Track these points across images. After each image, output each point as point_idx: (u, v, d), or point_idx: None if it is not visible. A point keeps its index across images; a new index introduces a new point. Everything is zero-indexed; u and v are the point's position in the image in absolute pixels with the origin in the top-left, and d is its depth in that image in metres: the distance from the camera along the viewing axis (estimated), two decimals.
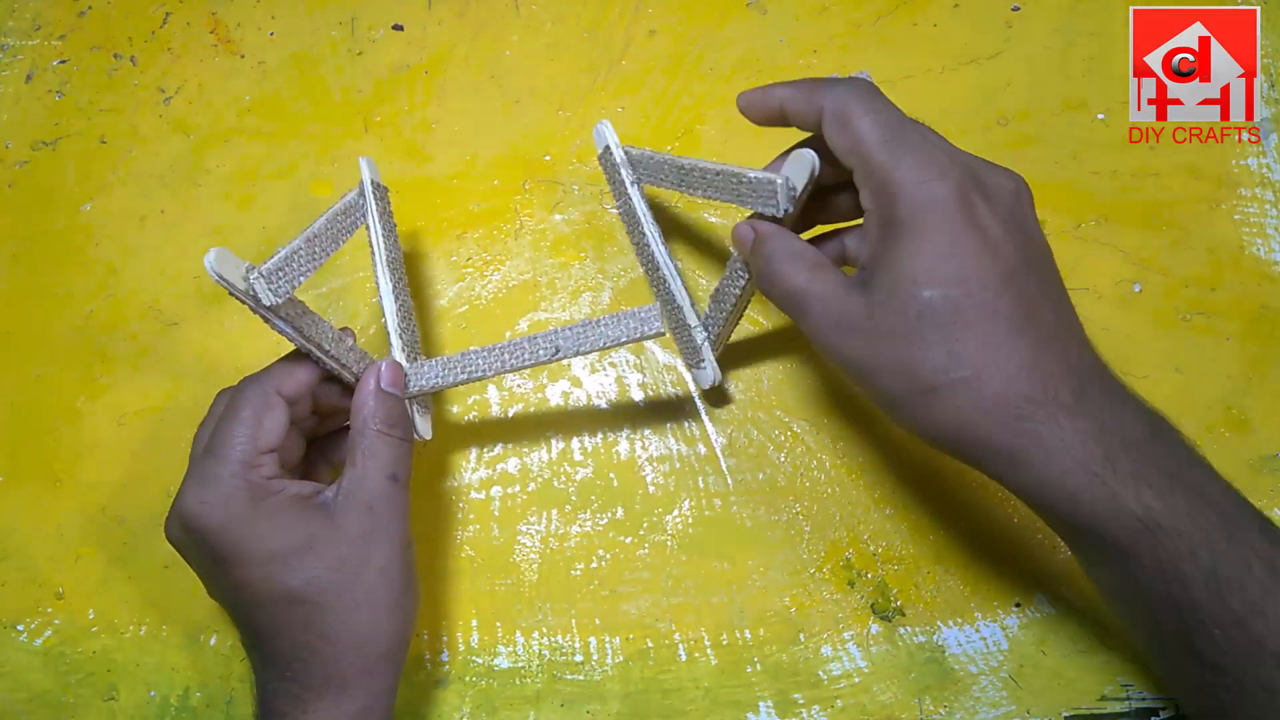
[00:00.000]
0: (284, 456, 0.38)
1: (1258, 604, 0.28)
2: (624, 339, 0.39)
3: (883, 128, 0.32)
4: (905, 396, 0.32)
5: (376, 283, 0.43)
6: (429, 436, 0.42)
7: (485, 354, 0.40)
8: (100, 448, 0.48)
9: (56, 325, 0.51)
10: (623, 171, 0.45)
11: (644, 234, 0.44)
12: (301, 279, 0.37)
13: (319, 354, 0.37)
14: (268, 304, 0.34)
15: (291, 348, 0.38)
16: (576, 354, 0.40)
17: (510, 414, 0.46)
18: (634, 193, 0.44)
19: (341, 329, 0.39)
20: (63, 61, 0.58)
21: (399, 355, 0.41)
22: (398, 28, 0.56)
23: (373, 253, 0.43)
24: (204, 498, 0.35)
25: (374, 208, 0.43)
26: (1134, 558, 0.30)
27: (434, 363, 0.40)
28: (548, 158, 0.52)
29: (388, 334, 0.42)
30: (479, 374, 0.40)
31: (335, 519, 0.35)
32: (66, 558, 0.46)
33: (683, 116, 0.52)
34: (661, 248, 0.44)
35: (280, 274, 0.35)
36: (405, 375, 0.40)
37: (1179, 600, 0.29)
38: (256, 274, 0.34)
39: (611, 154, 0.45)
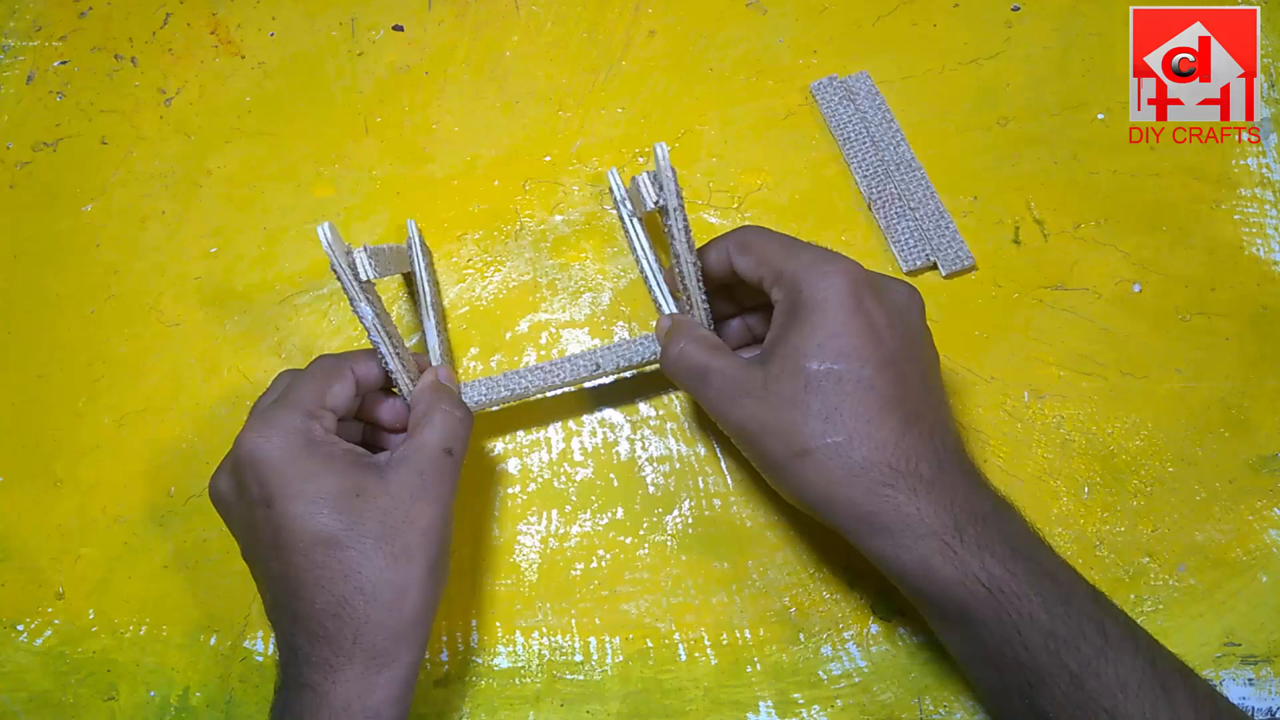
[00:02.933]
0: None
1: (1091, 663, 0.31)
2: (660, 357, 0.42)
3: (782, 242, 0.38)
4: (784, 458, 0.35)
5: (421, 321, 0.46)
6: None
7: (529, 374, 0.43)
8: (100, 448, 0.48)
9: (56, 325, 0.51)
10: (621, 208, 0.46)
11: (644, 269, 0.46)
12: (387, 272, 0.42)
13: (387, 346, 0.40)
14: (364, 279, 0.39)
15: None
16: (617, 372, 0.44)
17: (510, 414, 0.46)
18: (634, 225, 0.46)
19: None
20: (64, 62, 0.58)
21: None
22: (398, 28, 0.56)
23: (419, 297, 0.46)
24: (265, 433, 0.36)
25: (420, 260, 0.47)
26: (980, 621, 0.32)
27: (478, 383, 0.43)
28: (548, 158, 0.52)
29: (430, 364, 0.44)
30: (522, 393, 0.43)
31: (386, 476, 0.37)
32: (66, 558, 0.46)
33: (683, 116, 0.52)
34: (663, 286, 0.45)
35: (376, 257, 0.40)
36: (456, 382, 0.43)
37: (1022, 660, 0.32)
38: (361, 249, 0.39)
39: (613, 193, 0.47)
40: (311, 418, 0.37)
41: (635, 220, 0.46)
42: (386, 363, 0.40)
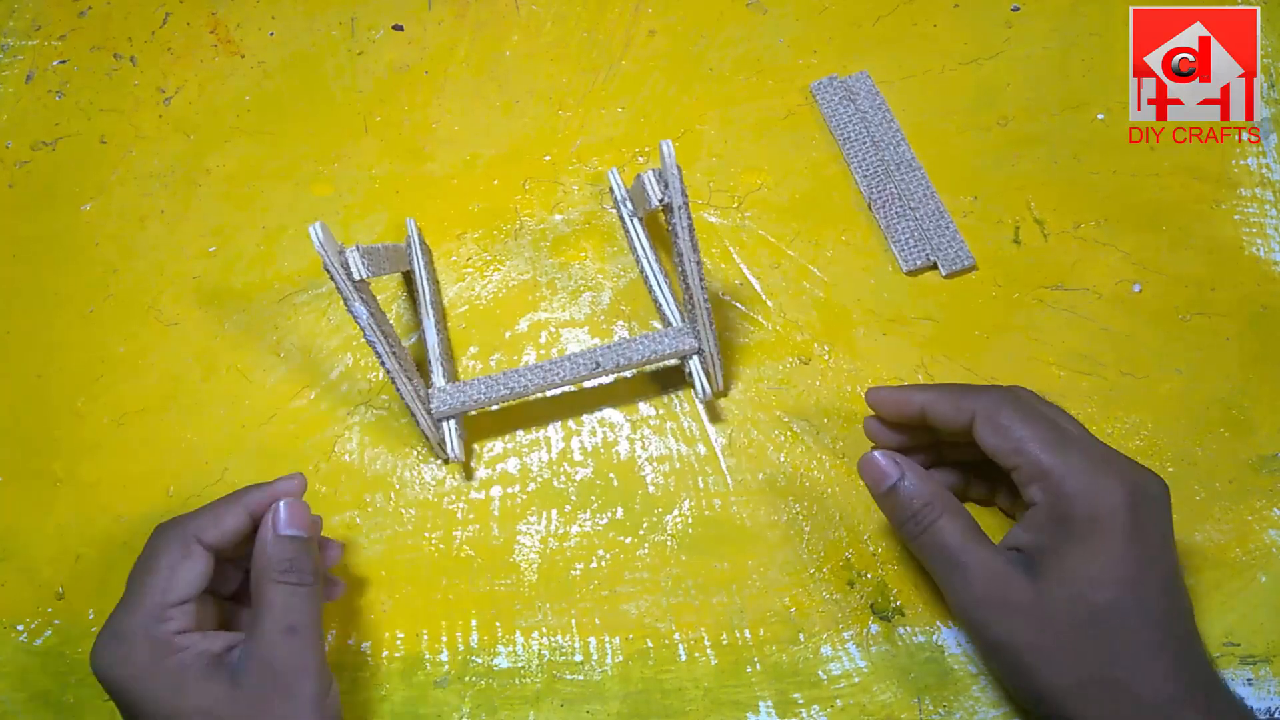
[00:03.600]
0: (221, 585, 0.38)
1: None
2: (659, 355, 0.42)
3: (1045, 432, 0.35)
4: (1059, 687, 0.33)
5: (420, 320, 0.46)
6: (462, 458, 0.44)
7: (529, 373, 0.43)
8: (100, 448, 0.48)
9: (56, 325, 0.51)
10: (622, 208, 0.46)
11: (644, 269, 0.46)
12: (382, 271, 0.42)
13: (383, 346, 0.40)
14: (357, 277, 0.39)
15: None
16: (616, 371, 0.43)
17: (510, 414, 0.46)
18: (634, 225, 0.46)
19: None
20: (63, 62, 0.58)
21: (440, 381, 0.44)
22: (398, 28, 0.56)
23: (418, 296, 0.46)
24: (116, 650, 0.35)
25: (419, 258, 0.47)
26: None
27: (478, 382, 0.43)
28: (548, 158, 0.52)
29: (429, 363, 0.45)
30: (522, 391, 0.43)
31: (238, 682, 0.34)
32: (66, 558, 0.46)
33: (683, 116, 0.52)
34: (663, 285, 0.45)
35: (369, 256, 0.40)
36: (310, 515, 0.38)
37: None
38: (354, 248, 0.39)
39: (614, 193, 0.48)
40: (159, 621, 0.35)
41: (636, 220, 0.46)
42: (384, 363, 0.40)
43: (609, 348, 0.43)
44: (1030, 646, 0.34)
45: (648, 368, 0.45)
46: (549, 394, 0.46)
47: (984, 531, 0.36)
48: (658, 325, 0.47)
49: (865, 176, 0.49)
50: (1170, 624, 0.33)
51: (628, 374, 0.46)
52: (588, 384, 0.47)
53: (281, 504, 0.37)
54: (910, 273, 0.47)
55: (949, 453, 0.41)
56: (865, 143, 0.49)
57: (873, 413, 0.41)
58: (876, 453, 0.38)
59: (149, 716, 0.34)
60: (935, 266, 0.47)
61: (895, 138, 0.49)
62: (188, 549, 0.36)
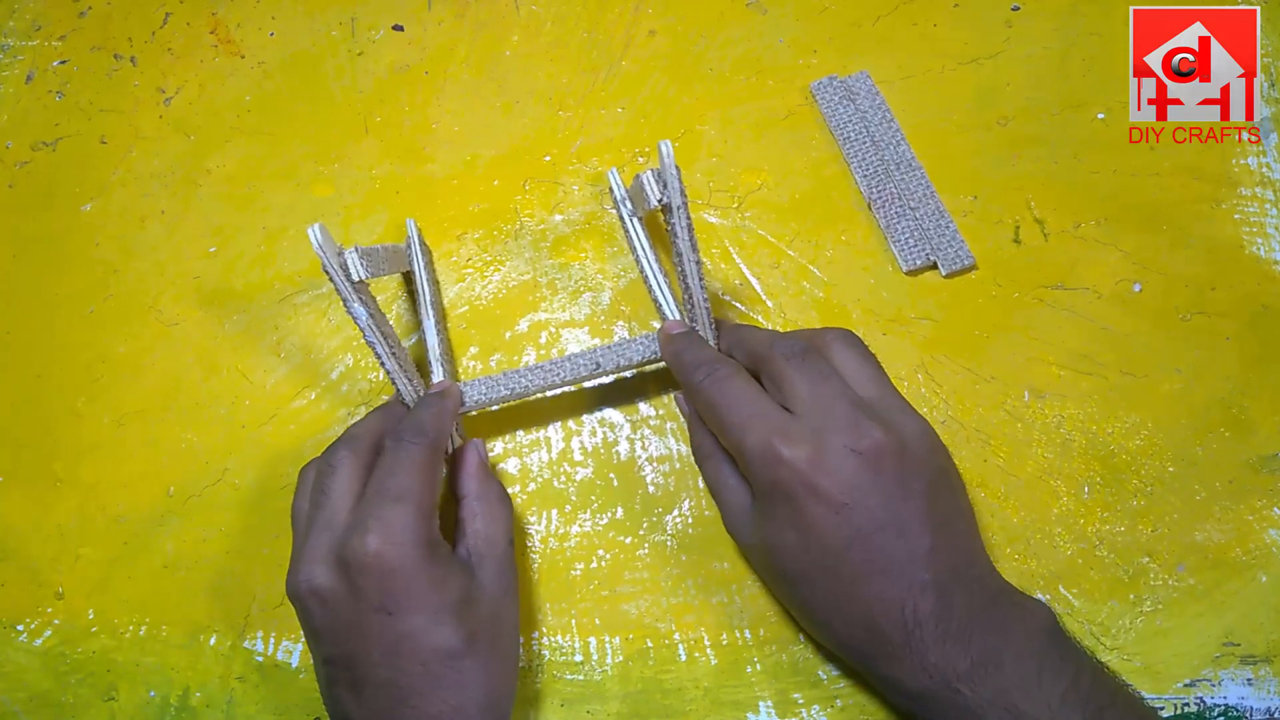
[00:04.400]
0: None
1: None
2: (660, 355, 0.43)
3: (729, 412, 0.37)
4: (793, 611, 0.39)
5: (420, 320, 0.46)
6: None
7: (529, 373, 0.43)
8: (100, 448, 0.48)
9: (56, 325, 0.51)
10: (621, 208, 0.46)
11: (644, 269, 0.46)
12: (381, 272, 0.42)
13: (382, 347, 0.40)
14: (356, 278, 0.39)
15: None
16: (616, 371, 0.44)
17: (510, 413, 0.46)
18: (634, 225, 0.46)
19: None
20: (63, 62, 0.58)
21: (440, 376, 0.44)
22: (398, 28, 0.56)
23: (418, 296, 0.47)
24: (393, 539, 0.35)
25: (419, 259, 0.47)
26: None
27: (478, 382, 0.43)
28: (548, 158, 0.52)
29: (429, 364, 0.44)
30: (522, 392, 0.43)
31: (479, 578, 0.37)
32: (66, 558, 0.46)
33: (683, 116, 0.52)
34: (663, 285, 0.45)
35: (368, 257, 0.40)
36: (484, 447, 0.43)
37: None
38: (352, 250, 0.39)
39: (613, 192, 0.48)
40: (429, 518, 0.36)
41: (635, 220, 0.46)
42: (383, 363, 0.40)
43: (609, 348, 0.43)
44: (760, 574, 0.41)
45: (648, 367, 0.45)
46: (549, 394, 0.46)
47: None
48: (658, 325, 0.47)
49: (865, 176, 0.49)
50: (860, 579, 0.34)
51: (628, 374, 0.46)
52: (588, 384, 0.47)
53: (478, 443, 0.43)
54: (910, 272, 0.47)
55: None
56: (865, 142, 0.49)
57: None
58: (678, 393, 0.45)
59: (417, 609, 0.35)
60: (935, 266, 0.47)
61: (895, 137, 0.49)
62: (439, 452, 0.39)
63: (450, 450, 0.42)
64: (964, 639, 0.33)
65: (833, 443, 0.34)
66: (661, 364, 0.43)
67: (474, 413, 0.45)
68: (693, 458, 0.42)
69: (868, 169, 0.49)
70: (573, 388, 0.46)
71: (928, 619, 0.33)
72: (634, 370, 0.45)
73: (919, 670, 0.33)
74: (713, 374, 0.38)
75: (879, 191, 0.48)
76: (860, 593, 0.34)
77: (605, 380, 0.47)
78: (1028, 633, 0.33)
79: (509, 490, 0.45)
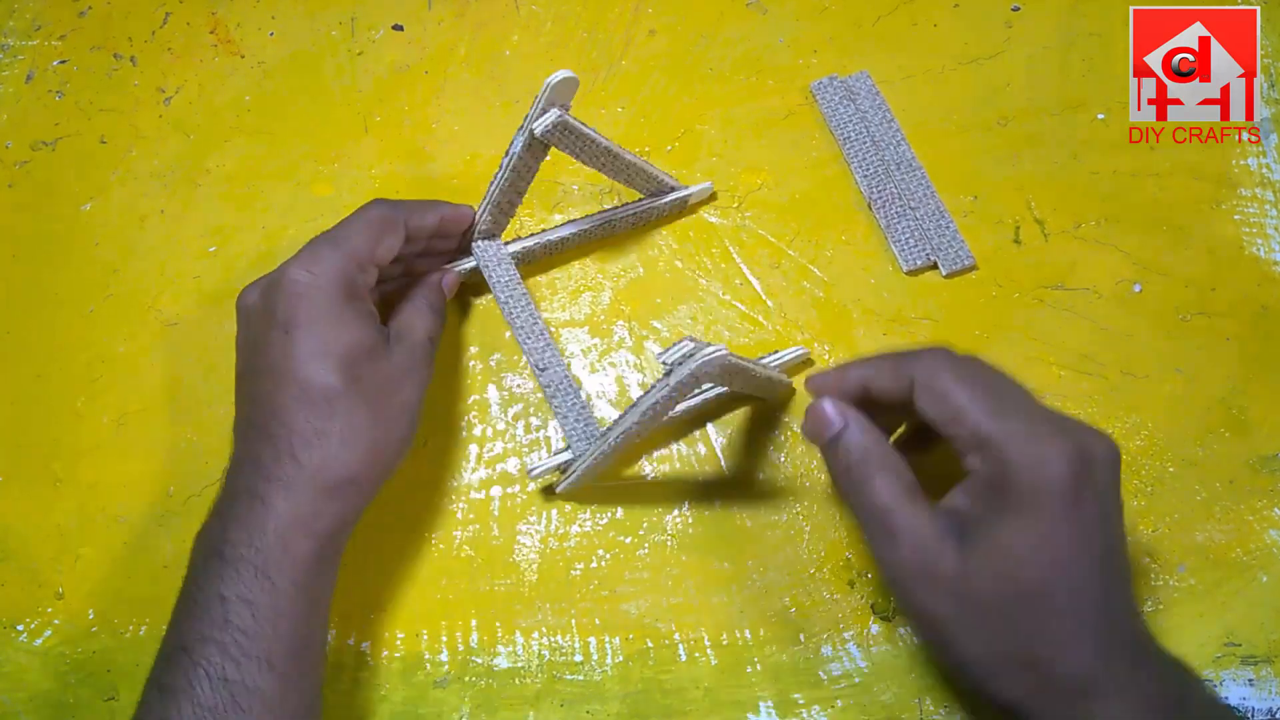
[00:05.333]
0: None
1: None
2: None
3: (984, 397, 0.33)
4: (973, 660, 0.33)
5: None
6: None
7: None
8: (100, 448, 0.48)
9: (55, 324, 0.51)
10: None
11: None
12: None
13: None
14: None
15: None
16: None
17: (510, 414, 0.46)
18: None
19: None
20: (63, 62, 0.58)
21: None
22: (398, 28, 0.56)
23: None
24: (313, 269, 0.38)
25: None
26: None
27: (577, 466, 0.42)
28: (547, 158, 0.52)
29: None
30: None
31: (390, 348, 0.40)
32: (66, 558, 0.46)
33: (683, 116, 0.52)
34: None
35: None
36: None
37: None
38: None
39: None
40: (359, 269, 0.39)
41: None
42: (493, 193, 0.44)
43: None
44: (951, 619, 0.33)
45: (648, 368, 0.45)
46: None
47: (923, 494, 0.34)
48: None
49: (865, 176, 0.49)
50: (1101, 602, 0.32)
51: (628, 376, 0.46)
52: (588, 384, 0.47)
53: (450, 274, 0.46)
54: (910, 272, 0.47)
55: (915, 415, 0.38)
56: (865, 142, 0.49)
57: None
58: (826, 400, 0.36)
59: (313, 334, 0.37)
60: (935, 266, 0.47)
61: (895, 137, 0.49)
62: (395, 223, 0.41)
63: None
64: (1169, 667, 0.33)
65: (1088, 446, 0.32)
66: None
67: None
68: (843, 483, 0.36)
69: (868, 169, 0.49)
70: (573, 387, 0.46)
71: (1150, 642, 0.33)
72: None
73: (1143, 705, 0.31)
74: (933, 356, 0.35)
75: (879, 192, 0.48)
76: (1104, 615, 0.32)
77: (605, 380, 0.47)
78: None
79: (509, 490, 0.45)
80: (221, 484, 0.38)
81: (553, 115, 0.40)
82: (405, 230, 0.42)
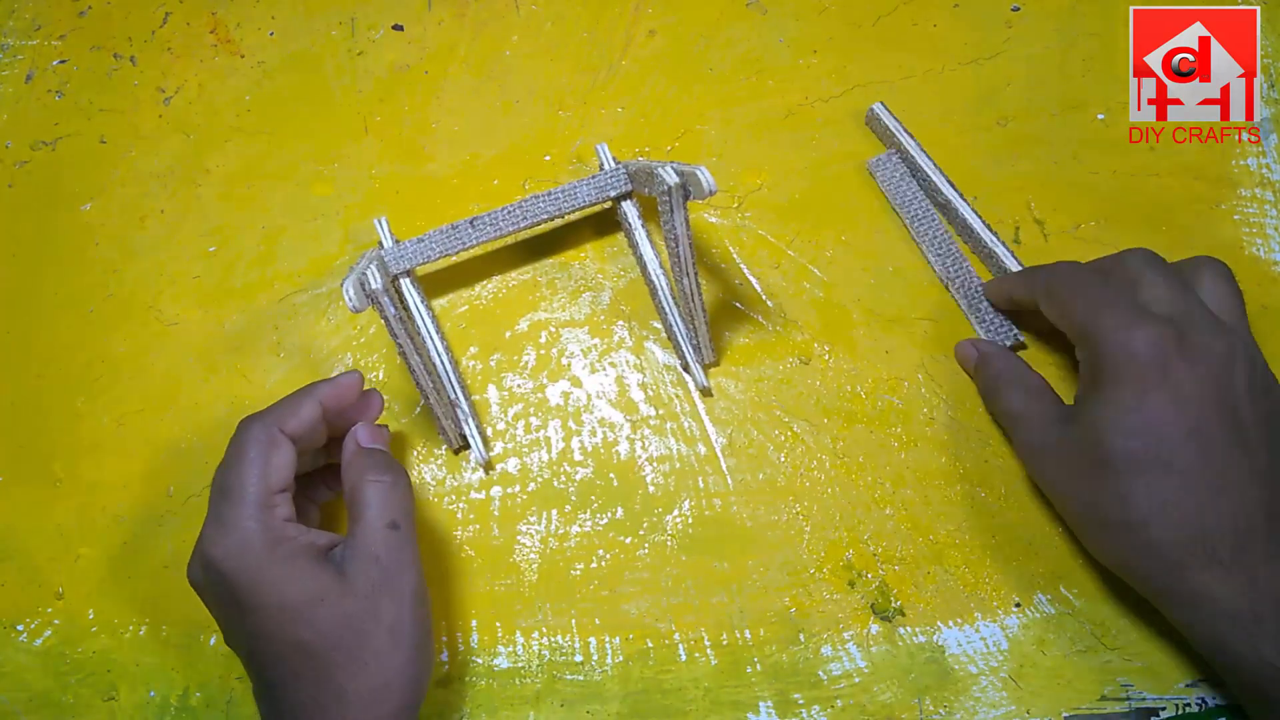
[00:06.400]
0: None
1: None
2: (594, 199, 0.46)
3: (1084, 290, 0.38)
4: (1081, 523, 0.38)
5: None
6: (486, 457, 0.45)
7: (466, 226, 0.46)
8: (100, 448, 0.48)
9: (55, 325, 0.51)
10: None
11: (640, 255, 0.46)
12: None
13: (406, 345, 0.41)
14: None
15: (291, 389, 0.40)
16: (549, 219, 0.46)
17: (510, 414, 0.46)
18: (628, 207, 0.46)
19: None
20: (62, 62, 0.58)
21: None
22: (398, 28, 0.56)
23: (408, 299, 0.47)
24: (223, 544, 0.35)
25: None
26: (1275, 706, 0.32)
27: (408, 244, 0.45)
28: (548, 158, 0.52)
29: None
30: (459, 246, 0.45)
31: (345, 572, 0.36)
32: (66, 558, 0.46)
33: (683, 116, 0.52)
34: (659, 271, 0.45)
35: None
36: (386, 433, 0.43)
37: None
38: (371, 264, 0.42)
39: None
40: (265, 509, 0.36)
41: (638, 222, 0.46)
42: (407, 360, 0.42)
43: (541, 196, 0.46)
44: (1060, 489, 0.38)
45: (648, 368, 0.45)
46: (549, 398, 0.46)
47: (1050, 393, 0.40)
48: (657, 325, 0.47)
49: (939, 257, 0.47)
50: (1196, 474, 0.34)
51: (628, 376, 0.46)
52: (588, 384, 0.47)
53: (358, 427, 0.41)
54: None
55: None
56: (932, 220, 0.47)
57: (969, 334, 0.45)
58: (965, 341, 0.44)
59: (260, 608, 0.35)
60: (1024, 345, 0.45)
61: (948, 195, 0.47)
62: (274, 439, 0.37)
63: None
64: None
65: (1193, 336, 0.35)
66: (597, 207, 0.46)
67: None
68: (984, 398, 0.43)
69: (939, 248, 0.47)
70: (572, 387, 0.46)
71: (1259, 533, 0.33)
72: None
73: (1246, 586, 0.32)
74: (1057, 267, 0.40)
75: (955, 271, 0.46)
76: (1192, 491, 0.33)
77: (605, 380, 0.47)
78: None
79: (509, 490, 0.45)
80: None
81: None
82: (287, 438, 0.38)
